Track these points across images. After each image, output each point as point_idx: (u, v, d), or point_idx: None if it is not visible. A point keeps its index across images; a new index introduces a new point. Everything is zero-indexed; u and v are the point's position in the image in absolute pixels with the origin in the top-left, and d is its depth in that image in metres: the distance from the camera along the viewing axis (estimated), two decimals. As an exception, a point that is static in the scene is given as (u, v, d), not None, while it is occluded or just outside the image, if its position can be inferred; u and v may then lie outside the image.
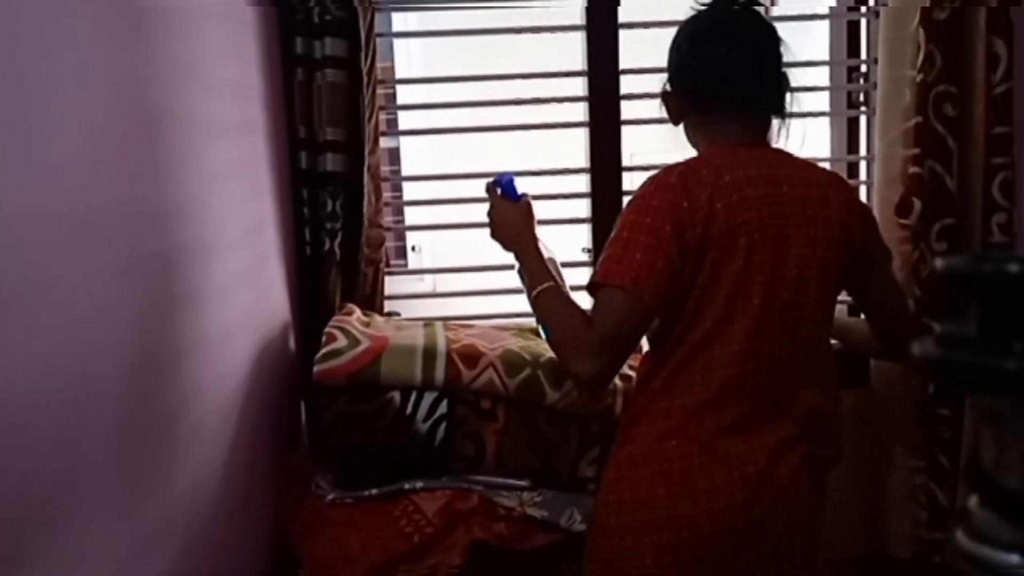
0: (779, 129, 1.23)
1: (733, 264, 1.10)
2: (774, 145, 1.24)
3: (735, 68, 1.16)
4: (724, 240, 1.09)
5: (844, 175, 1.97)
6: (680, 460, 1.12)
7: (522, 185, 1.40)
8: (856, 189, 1.24)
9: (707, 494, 1.11)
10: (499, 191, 1.37)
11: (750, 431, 1.13)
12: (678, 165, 1.15)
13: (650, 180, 1.14)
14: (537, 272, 1.23)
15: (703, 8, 1.21)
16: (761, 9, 1.19)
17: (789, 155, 1.21)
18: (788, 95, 1.20)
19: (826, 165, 1.98)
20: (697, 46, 1.18)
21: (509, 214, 1.33)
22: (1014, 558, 0.42)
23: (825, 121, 1.99)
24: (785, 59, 1.20)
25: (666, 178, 1.12)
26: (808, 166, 1.21)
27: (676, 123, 1.26)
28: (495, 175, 1.40)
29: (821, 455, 1.20)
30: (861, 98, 1.94)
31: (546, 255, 1.31)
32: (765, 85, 1.19)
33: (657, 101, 1.29)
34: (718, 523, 1.10)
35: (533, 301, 1.22)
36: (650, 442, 1.15)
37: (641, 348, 1.29)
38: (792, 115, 1.87)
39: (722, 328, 1.11)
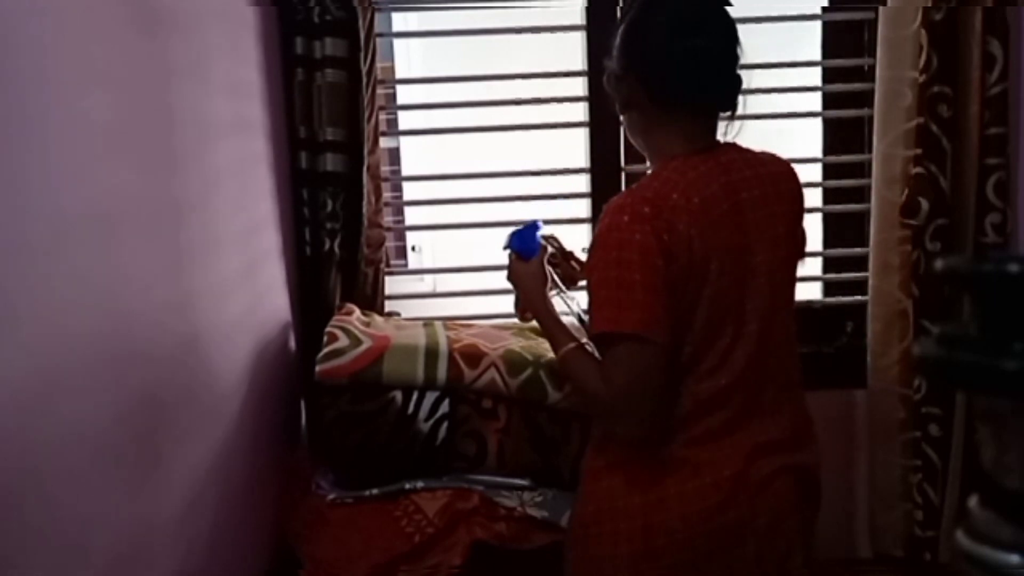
0: (733, 128, 1.17)
1: (707, 289, 1.08)
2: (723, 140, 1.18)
3: (711, 63, 1.11)
4: (699, 267, 1.07)
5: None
6: (654, 468, 1.12)
7: (540, 228, 1.34)
8: (799, 179, 1.19)
9: (679, 499, 1.10)
10: (510, 253, 1.32)
11: (724, 436, 1.12)
12: (644, 190, 1.08)
13: (619, 210, 1.07)
14: (553, 336, 1.22)
15: None
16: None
17: (741, 152, 1.16)
18: (740, 95, 1.15)
19: (817, 167, 1.99)
20: (674, 38, 1.10)
21: (519, 276, 1.31)
22: (1014, 558, 0.42)
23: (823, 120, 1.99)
24: (741, 58, 1.14)
25: (639, 208, 1.05)
26: (760, 162, 1.16)
27: (623, 112, 1.18)
28: (508, 233, 1.33)
29: (804, 461, 1.19)
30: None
31: (562, 307, 1.29)
32: (731, 83, 1.13)
33: None
34: (692, 527, 1.10)
35: (558, 363, 1.22)
36: (627, 452, 1.14)
37: None
38: (791, 116, 1.84)
39: (702, 348, 1.10)
